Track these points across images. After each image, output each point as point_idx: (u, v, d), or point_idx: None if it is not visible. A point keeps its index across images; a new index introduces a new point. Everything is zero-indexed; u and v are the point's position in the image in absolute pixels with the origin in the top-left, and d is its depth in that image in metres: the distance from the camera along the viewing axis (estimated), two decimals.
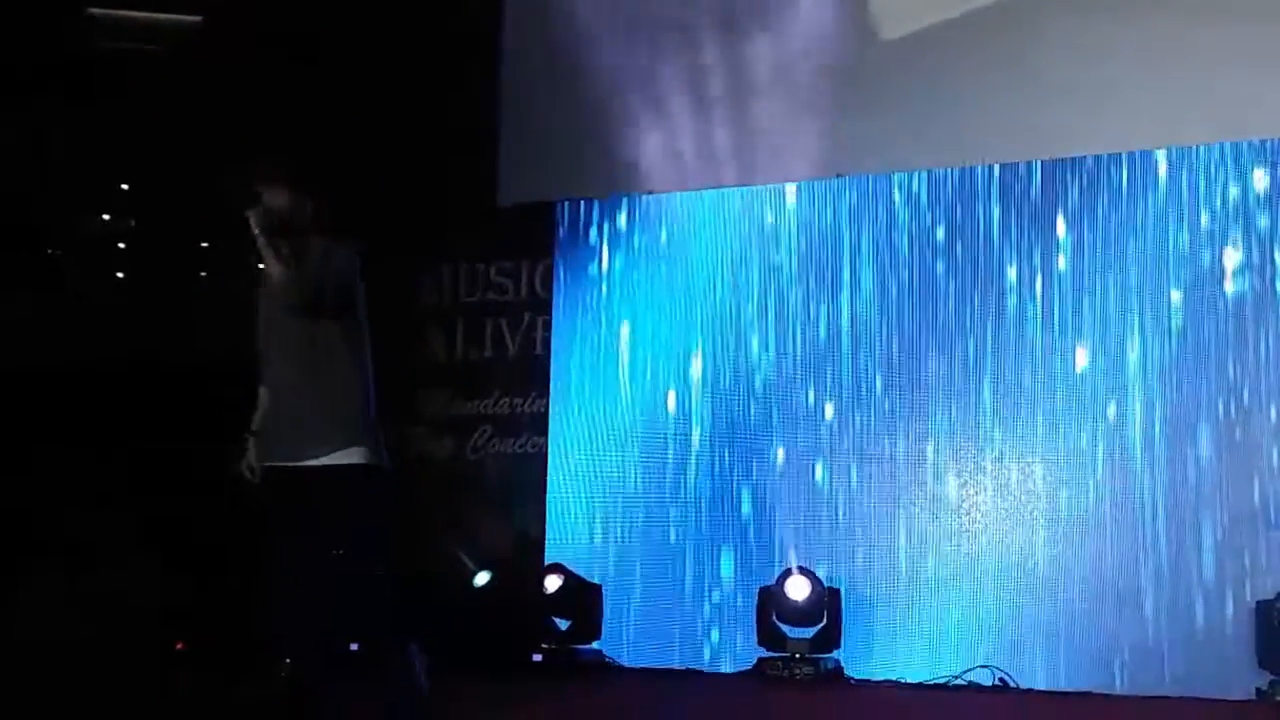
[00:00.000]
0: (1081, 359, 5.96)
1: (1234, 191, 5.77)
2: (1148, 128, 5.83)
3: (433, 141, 6.93)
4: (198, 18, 6.48)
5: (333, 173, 6.75)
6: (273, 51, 6.67)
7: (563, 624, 6.39)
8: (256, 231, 3.84)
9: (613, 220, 6.99)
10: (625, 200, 6.94)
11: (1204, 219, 5.82)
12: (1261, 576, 5.43)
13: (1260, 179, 5.75)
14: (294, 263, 3.86)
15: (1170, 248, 5.85)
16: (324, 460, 3.81)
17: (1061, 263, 6.05)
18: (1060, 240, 6.07)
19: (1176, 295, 5.82)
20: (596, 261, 7.00)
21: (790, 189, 6.62)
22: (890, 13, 6.37)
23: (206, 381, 6.15)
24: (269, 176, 4.00)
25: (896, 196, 6.41)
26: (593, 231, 7.02)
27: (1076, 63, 5.84)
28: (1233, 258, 5.74)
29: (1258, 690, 5.26)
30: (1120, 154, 5.94)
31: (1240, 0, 5.69)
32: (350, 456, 3.82)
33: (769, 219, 6.67)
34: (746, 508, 6.50)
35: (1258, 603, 5.32)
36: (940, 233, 6.31)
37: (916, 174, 6.34)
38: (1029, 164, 6.13)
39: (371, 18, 6.78)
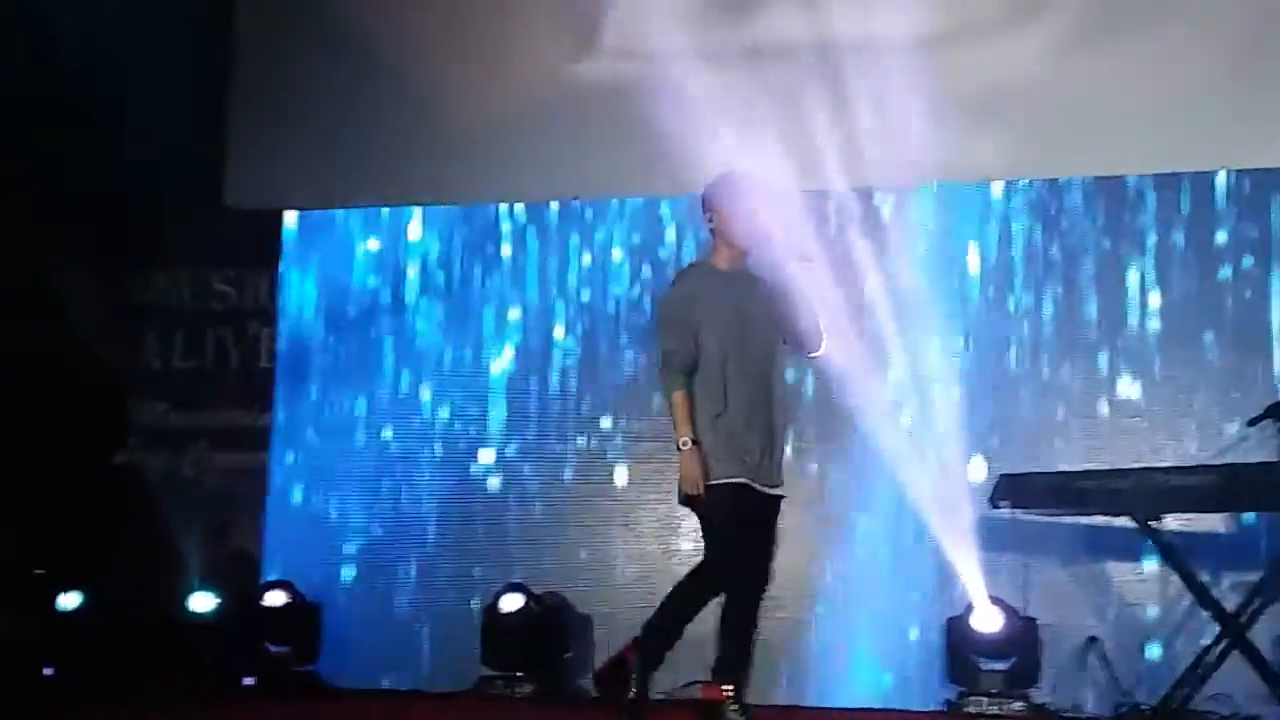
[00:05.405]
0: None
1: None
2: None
3: (154, 134, 6.66)
4: None
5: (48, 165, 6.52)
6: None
7: (275, 648, 6.22)
8: None
9: (356, 229, 6.86)
10: (367, 211, 6.83)
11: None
12: (953, 593, 5.76)
13: None
14: None
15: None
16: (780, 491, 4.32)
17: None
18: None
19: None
20: (330, 271, 6.85)
21: (518, 208, 6.67)
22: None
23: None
24: None
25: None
26: (331, 232, 6.88)
27: None
28: None
29: (947, 702, 5.58)
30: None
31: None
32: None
33: (507, 231, 6.68)
34: (474, 525, 6.48)
35: (948, 619, 5.65)
36: None
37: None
38: None
39: None
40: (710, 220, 4.38)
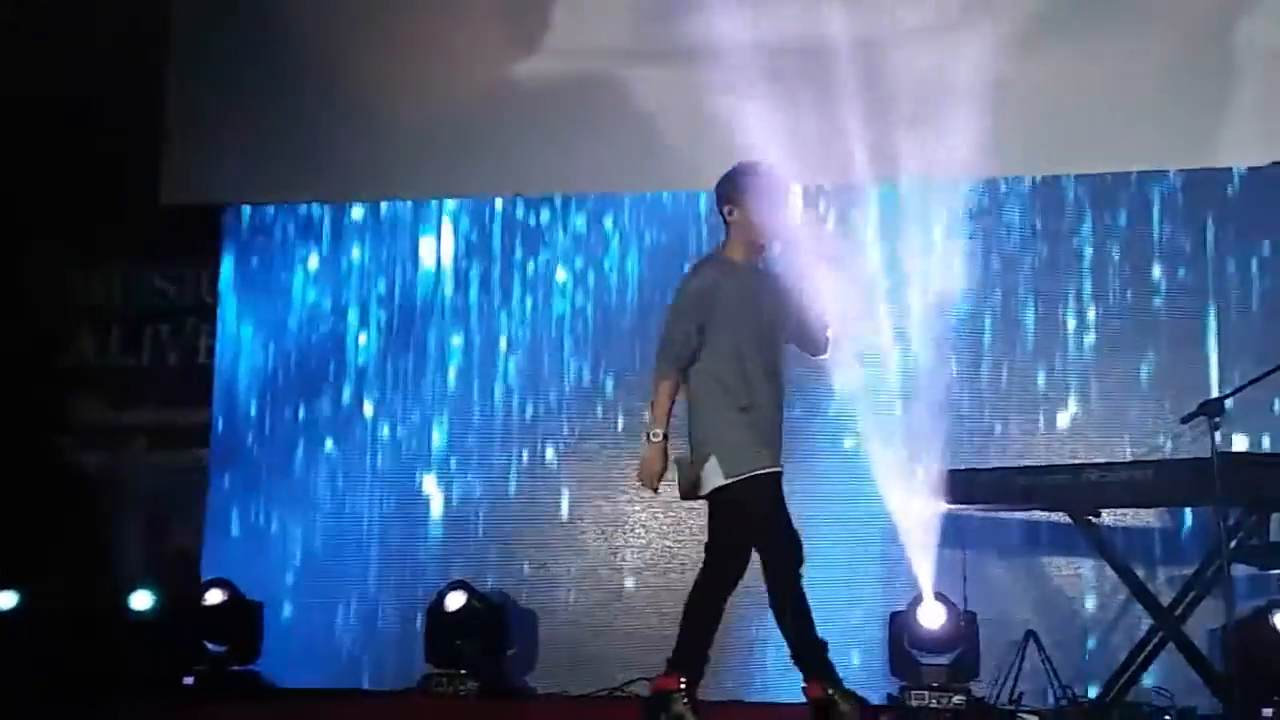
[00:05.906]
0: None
1: None
2: None
3: (91, 131, 6.57)
4: None
5: None
6: None
7: (214, 647, 6.15)
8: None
9: (298, 226, 6.79)
10: (313, 206, 6.78)
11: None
12: (895, 588, 5.83)
13: None
14: None
15: None
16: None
17: None
18: None
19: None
20: (273, 268, 6.78)
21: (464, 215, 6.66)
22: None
23: None
24: None
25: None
26: (272, 237, 6.81)
27: None
28: None
29: (889, 696, 5.65)
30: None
31: None
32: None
33: (445, 232, 6.67)
34: (417, 524, 6.45)
35: (891, 613, 5.72)
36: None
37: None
38: None
39: None
40: (730, 214, 4.27)
